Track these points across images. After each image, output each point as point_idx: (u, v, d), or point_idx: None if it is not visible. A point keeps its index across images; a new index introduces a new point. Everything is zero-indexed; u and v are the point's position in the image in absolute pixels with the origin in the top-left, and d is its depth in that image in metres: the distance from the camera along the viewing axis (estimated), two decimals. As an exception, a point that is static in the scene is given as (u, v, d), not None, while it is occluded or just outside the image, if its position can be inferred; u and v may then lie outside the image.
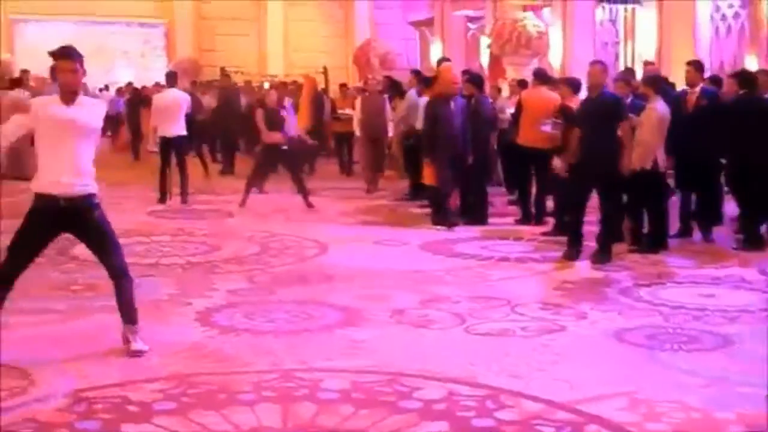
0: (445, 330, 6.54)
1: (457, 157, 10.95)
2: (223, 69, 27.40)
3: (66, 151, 5.58)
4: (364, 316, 6.84)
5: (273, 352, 5.92)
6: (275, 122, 12.79)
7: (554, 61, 20.10)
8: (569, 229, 9.28)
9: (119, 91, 25.28)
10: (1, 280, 5.65)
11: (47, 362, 5.67)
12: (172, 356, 5.82)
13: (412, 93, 13.55)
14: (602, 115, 8.89)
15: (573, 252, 9.07)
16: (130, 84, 24.36)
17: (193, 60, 28.41)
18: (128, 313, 5.94)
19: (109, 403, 4.97)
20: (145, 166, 18.63)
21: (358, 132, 15.12)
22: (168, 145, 13.12)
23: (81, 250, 7.23)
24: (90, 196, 5.72)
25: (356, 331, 6.43)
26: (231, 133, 18.19)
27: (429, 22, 27.74)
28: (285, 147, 12.90)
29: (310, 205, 12.68)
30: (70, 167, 5.59)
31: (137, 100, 21.10)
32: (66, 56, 5.66)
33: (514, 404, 5.01)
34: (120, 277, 5.87)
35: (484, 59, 21.61)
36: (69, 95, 5.66)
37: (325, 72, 26.25)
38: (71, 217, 5.65)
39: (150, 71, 27.29)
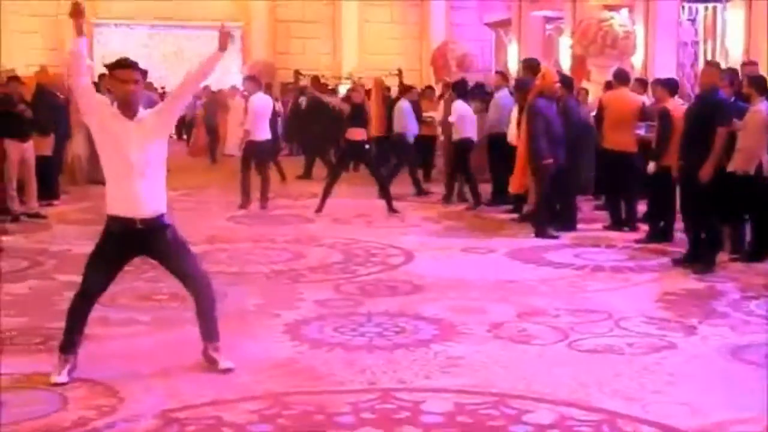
0: (548, 346, 6.19)
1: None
2: (297, 71, 27.42)
3: (135, 170, 5.34)
4: (459, 330, 6.52)
5: (368, 369, 5.63)
6: (360, 118, 12.52)
7: (636, 61, 19.54)
8: (690, 234, 8.86)
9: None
10: (83, 295, 5.46)
11: (135, 378, 5.46)
12: (263, 373, 5.57)
13: (502, 95, 13.10)
14: (708, 117, 8.46)
15: (689, 257, 8.71)
16: (206, 87, 24.25)
17: (268, 63, 28.35)
18: (209, 330, 5.70)
19: (203, 424, 4.74)
20: (221, 170, 18.62)
21: (442, 136, 14.46)
22: (254, 149, 12.95)
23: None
24: (162, 216, 5.50)
25: (453, 347, 6.12)
26: (319, 137, 17.83)
27: (506, 23, 27.26)
28: (368, 145, 12.62)
29: (393, 210, 12.41)
30: (142, 188, 5.36)
31: (214, 103, 21.04)
32: (126, 66, 5.38)
33: (633, 430, 4.65)
34: (199, 289, 5.66)
35: (565, 60, 21.10)
36: (130, 109, 5.39)
37: (399, 74, 25.96)
38: (146, 239, 5.43)
39: (225, 75, 27.29)
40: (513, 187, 11.19)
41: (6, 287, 7.87)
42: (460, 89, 13.85)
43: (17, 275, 8.41)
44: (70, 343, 5.39)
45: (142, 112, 5.43)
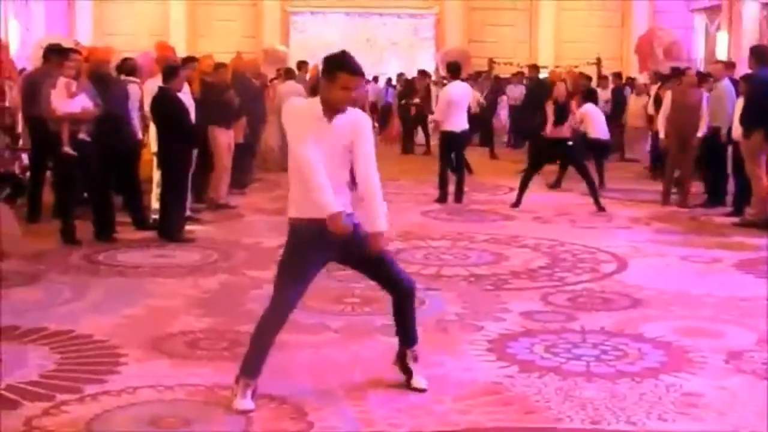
0: (804, 385, 5.22)
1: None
2: (491, 60, 26.70)
3: (329, 171, 4.72)
4: (692, 359, 5.63)
5: (589, 403, 4.85)
6: (562, 116, 11.70)
7: None
8: None
9: (389, 81, 24.96)
10: (275, 313, 4.84)
11: (325, 397, 4.90)
12: (467, 400, 4.88)
13: (725, 83, 11.91)
14: None
15: None
16: (401, 75, 23.88)
17: (463, 50, 27.73)
18: (408, 332, 5.10)
19: (400, 464, 4.10)
20: (414, 161, 18.12)
21: (662, 132, 12.46)
22: (451, 140, 12.31)
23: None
24: (352, 215, 4.88)
25: (688, 380, 5.24)
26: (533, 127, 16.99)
27: (715, 10, 25.55)
28: (571, 143, 11.75)
29: (600, 209, 11.48)
30: (335, 187, 4.74)
31: (409, 91, 20.55)
32: (356, 73, 4.71)
33: None
34: (403, 291, 5.02)
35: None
36: (335, 113, 4.76)
37: (598, 63, 24.80)
38: (340, 242, 4.78)
39: (418, 62, 26.85)
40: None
41: (199, 282, 7.54)
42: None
43: (208, 268, 8.08)
44: (255, 367, 4.80)
45: (341, 117, 4.81)
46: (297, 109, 4.87)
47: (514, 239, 9.67)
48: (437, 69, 25.32)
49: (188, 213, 10.14)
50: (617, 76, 20.28)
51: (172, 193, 9.25)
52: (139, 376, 5.18)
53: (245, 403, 4.68)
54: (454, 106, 12.18)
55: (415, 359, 5.10)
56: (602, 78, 20.65)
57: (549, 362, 5.52)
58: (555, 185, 13.76)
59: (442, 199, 12.28)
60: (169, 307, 6.76)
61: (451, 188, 12.32)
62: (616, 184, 14.01)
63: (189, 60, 11.33)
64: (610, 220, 11.10)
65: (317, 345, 5.83)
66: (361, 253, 4.90)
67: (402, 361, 5.11)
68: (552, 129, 11.77)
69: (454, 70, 12.83)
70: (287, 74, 16.23)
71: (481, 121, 18.19)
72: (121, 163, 9.83)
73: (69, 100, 8.69)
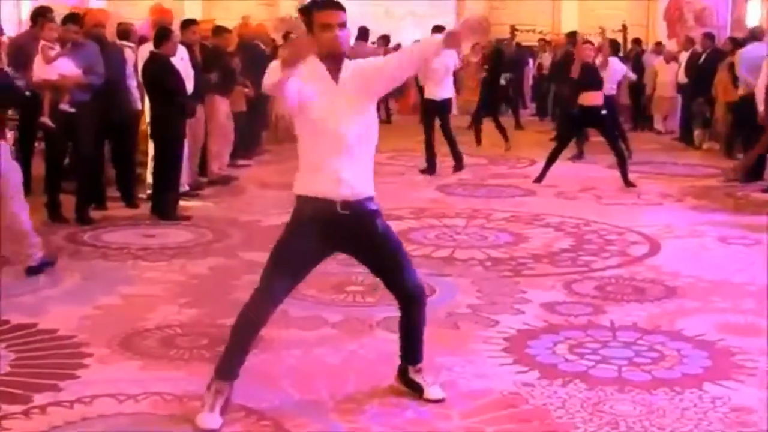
0: None
1: None
2: (513, 27, 25.84)
3: (341, 139, 3.99)
4: (739, 362, 4.89)
5: (621, 418, 4.12)
6: (593, 81, 10.84)
7: None
8: None
9: (406, 49, 24.11)
10: (260, 303, 4.10)
11: (312, 409, 4.20)
12: (478, 415, 4.17)
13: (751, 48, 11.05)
14: None
15: None
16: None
17: (482, 18, 26.82)
18: (413, 351, 4.36)
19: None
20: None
21: (761, 105, 10.65)
22: (432, 108, 11.76)
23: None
24: (371, 200, 4.12)
25: (736, 390, 4.49)
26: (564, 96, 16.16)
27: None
28: (604, 111, 10.90)
29: (629, 184, 10.70)
30: (348, 161, 4.00)
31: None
32: (331, 5, 3.96)
33: None
34: (411, 299, 4.28)
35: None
36: (336, 63, 4.02)
37: (623, 30, 23.90)
38: (351, 230, 4.06)
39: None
40: None
41: (188, 266, 6.85)
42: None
43: (199, 250, 7.39)
44: (231, 369, 4.07)
45: (348, 65, 4.07)
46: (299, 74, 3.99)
47: (536, 218, 8.92)
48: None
49: (185, 188, 9.46)
50: (636, 42, 19.41)
51: (162, 166, 8.54)
52: (101, 382, 4.48)
53: (210, 419, 3.95)
54: (433, 72, 11.39)
55: (419, 372, 4.37)
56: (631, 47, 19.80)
57: (574, 366, 4.79)
58: (578, 157, 12.98)
59: (430, 170, 11.68)
60: (149, 296, 6.06)
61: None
62: (644, 157, 13.17)
63: (188, 23, 10.57)
64: (639, 196, 10.31)
65: (309, 343, 5.11)
66: (373, 246, 4.16)
67: (404, 378, 4.39)
68: (583, 95, 10.91)
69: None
70: (297, 40, 15.42)
71: (503, 90, 17.34)
72: (116, 133, 9.14)
73: (46, 66, 7.96)
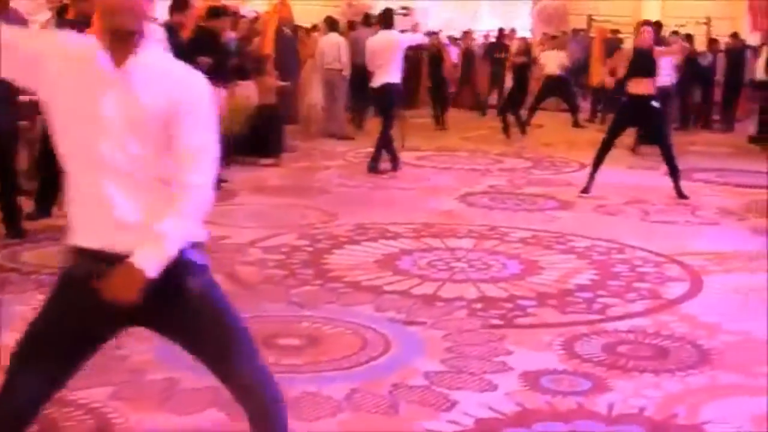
0: None
1: None
2: (590, 17, 24.54)
3: (110, 167, 2.59)
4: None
5: None
6: (645, 68, 9.16)
7: None
8: None
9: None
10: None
11: None
12: None
13: None
14: None
15: None
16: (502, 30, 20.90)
17: (559, 6, 25.49)
18: None
19: None
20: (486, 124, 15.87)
21: None
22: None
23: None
24: (186, 253, 2.70)
25: None
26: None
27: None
28: (656, 104, 9.27)
29: (681, 195, 9.12)
30: (141, 199, 2.63)
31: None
32: None
33: None
34: (256, 399, 2.86)
35: None
36: (123, 43, 2.58)
37: (707, 23, 22.17)
38: (145, 300, 2.63)
39: (514, 18, 24.81)
40: None
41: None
42: None
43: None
44: None
45: (141, 61, 2.66)
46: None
47: (560, 239, 7.44)
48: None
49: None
50: (734, 36, 17.63)
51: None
52: None
53: None
54: (371, 58, 10.68)
55: None
56: (712, 41, 18.06)
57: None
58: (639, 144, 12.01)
59: (373, 169, 10.53)
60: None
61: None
62: (708, 162, 11.52)
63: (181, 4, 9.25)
64: (694, 212, 8.73)
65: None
66: (183, 321, 2.78)
67: None
68: (632, 82, 9.27)
69: (381, 19, 11.23)
70: (330, 25, 14.07)
71: (563, 84, 15.74)
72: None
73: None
